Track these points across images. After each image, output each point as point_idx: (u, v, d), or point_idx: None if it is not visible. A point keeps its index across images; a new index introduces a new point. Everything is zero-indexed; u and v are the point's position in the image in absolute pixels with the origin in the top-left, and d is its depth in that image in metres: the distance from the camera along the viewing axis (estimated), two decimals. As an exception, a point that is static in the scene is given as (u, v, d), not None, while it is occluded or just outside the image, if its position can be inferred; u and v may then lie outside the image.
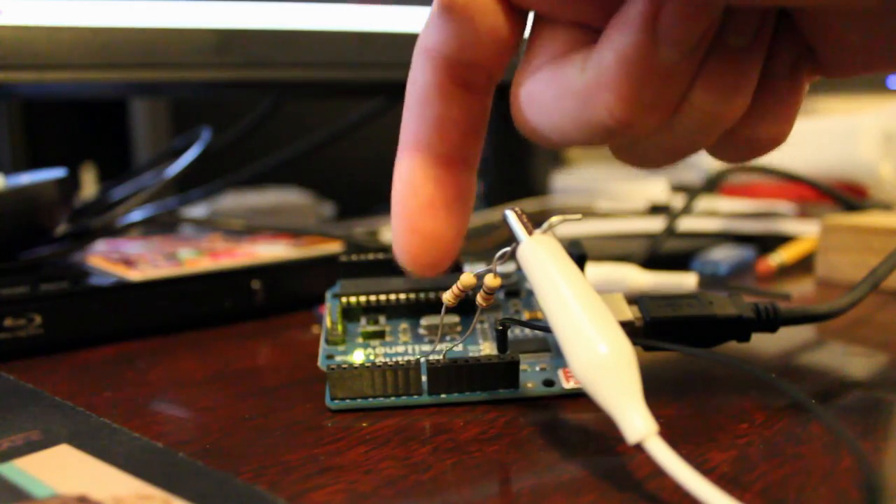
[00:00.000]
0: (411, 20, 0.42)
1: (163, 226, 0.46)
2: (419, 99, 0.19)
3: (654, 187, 0.55)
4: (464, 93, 0.19)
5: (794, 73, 0.18)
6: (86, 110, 0.69)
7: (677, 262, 0.41)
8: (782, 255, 0.41)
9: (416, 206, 0.19)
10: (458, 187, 0.20)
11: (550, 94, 0.17)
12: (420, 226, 0.19)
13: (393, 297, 0.27)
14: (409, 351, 0.25)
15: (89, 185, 0.63)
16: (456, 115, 0.19)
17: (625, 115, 0.16)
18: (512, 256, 0.21)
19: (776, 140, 0.19)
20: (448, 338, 0.26)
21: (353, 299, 0.27)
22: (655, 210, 0.52)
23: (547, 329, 0.24)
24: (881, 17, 0.16)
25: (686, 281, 0.36)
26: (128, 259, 0.35)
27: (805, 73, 0.18)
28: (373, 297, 0.27)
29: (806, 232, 0.44)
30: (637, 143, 0.19)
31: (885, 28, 0.16)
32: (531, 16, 0.19)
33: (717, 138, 0.18)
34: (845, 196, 0.46)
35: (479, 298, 0.23)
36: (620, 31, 0.16)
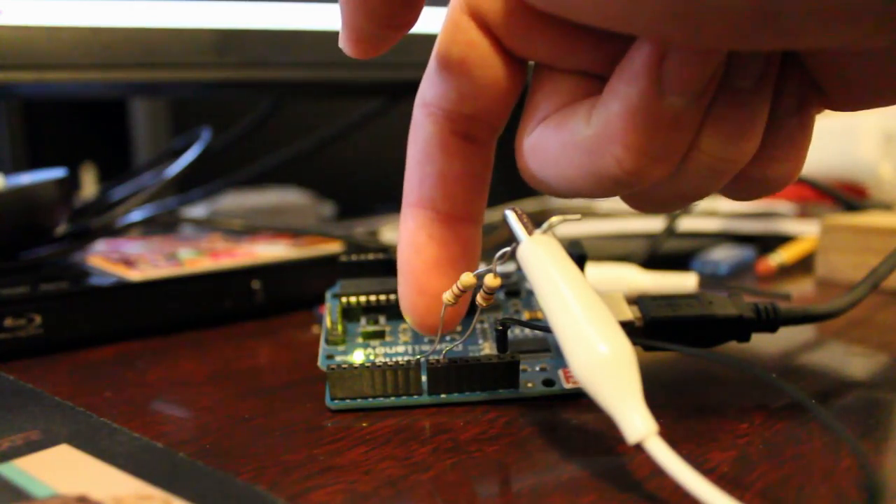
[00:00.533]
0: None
1: (163, 226, 0.46)
2: (420, 154, 0.19)
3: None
4: (465, 146, 0.19)
5: (802, 111, 0.18)
6: (86, 110, 0.69)
7: (677, 262, 0.41)
8: (782, 255, 0.41)
9: (420, 266, 0.19)
10: (463, 244, 0.19)
11: (557, 145, 0.17)
12: (426, 286, 0.19)
13: (393, 297, 0.27)
14: (409, 351, 0.25)
15: (89, 185, 0.63)
16: (458, 170, 0.19)
17: (634, 165, 0.16)
18: (512, 256, 0.21)
19: (787, 179, 0.18)
20: (448, 338, 0.26)
21: (353, 299, 0.27)
22: (655, 210, 0.52)
23: (547, 329, 0.24)
24: (887, 55, 0.16)
25: (686, 281, 0.36)
26: (128, 259, 0.35)
27: (813, 110, 0.18)
28: (373, 297, 0.27)
29: (806, 232, 0.44)
30: (647, 192, 0.18)
31: (892, 66, 0.16)
32: (531, 65, 0.18)
33: (728, 181, 0.18)
34: (845, 196, 0.46)
35: (479, 298, 0.23)
36: (625, 82, 0.16)
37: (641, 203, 0.19)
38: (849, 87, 0.17)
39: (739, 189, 0.19)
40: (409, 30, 0.18)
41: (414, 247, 0.19)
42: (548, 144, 0.17)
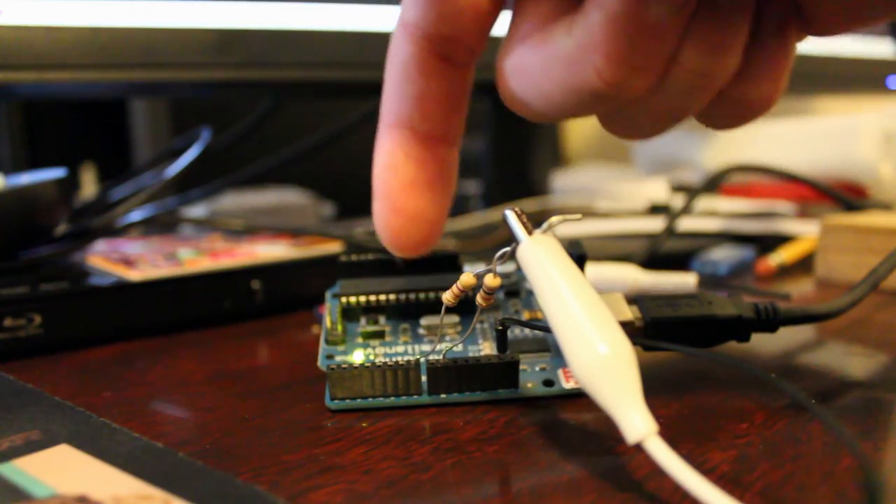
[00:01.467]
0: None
1: (163, 226, 0.46)
2: (399, 75, 0.19)
3: (654, 187, 0.55)
4: (444, 67, 0.19)
5: (782, 32, 0.18)
6: (86, 110, 0.69)
7: (677, 262, 0.41)
8: (782, 255, 0.41)
9: (397, 185, 0.19)
10: (440, 165, 0.19)
11: (537, 61, 0.17)
12: (402, 206, 0.19)
13: (393, 297, 0.27)
14: (409, 351, 0.25)
15: (89, 185, 0.63)
16: (436, 91, 0.19)
17: (614, 75, 0.16)
18: (512, 256, 0.21)
19: (767, 101, 0.18)
20: (448, 338, 0.26)
21: (352, 299, 0.27)
22: (655, 210, 0.52)
23: (547, 329, 0.24)
24: None
25: (686, 281, 0.36)
26: (128, 259, 0.35)
27: (793, 32, 0.18)
28: (373, 297, 0.27)
29: (806, 232, 0.44)
30: (626, 110, 0.18)
31: None
32: None
33: (708, 101, 0.18)
34: (845, 196, 0.46)
35: (478, 298, 0.23)
36: None
37: (620, 125, 0.19)
38: (827, 6, 0.17)
39: (718, 112, 0.19)
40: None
41: (390, 166, 0.19)
42: (529, 62, 0.17)
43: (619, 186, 0.57)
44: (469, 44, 0.19)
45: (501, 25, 0.19)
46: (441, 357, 0.23)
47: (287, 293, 0.35)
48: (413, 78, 0.19)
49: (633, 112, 0.18)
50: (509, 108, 0.19)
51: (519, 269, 0.21)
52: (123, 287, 0.31)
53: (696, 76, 0.17)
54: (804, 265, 0.41)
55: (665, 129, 0.19)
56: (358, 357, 0.25)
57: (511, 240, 0.21)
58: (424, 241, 0.19)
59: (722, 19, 0.17)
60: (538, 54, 0.17)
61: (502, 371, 0.23)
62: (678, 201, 0.50)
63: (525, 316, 0.27)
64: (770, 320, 0.25)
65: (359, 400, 0.23)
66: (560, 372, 0.24)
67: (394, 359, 0.24)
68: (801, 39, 0.18)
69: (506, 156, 0.57)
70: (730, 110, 0.19)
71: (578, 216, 0.22)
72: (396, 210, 0.19)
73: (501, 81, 0.18)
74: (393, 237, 0.19)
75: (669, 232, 0.42)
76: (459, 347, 0.25)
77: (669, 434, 0.18)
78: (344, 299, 0.27)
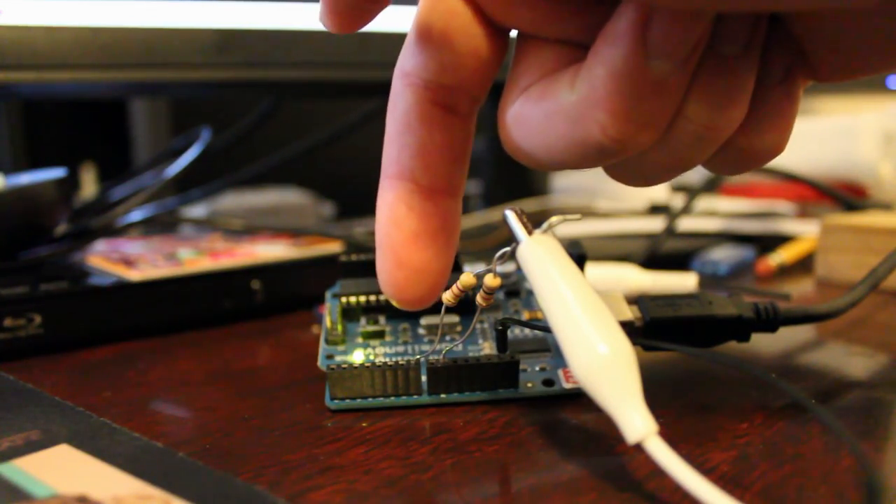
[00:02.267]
0: (411, 20, 0.42)
1: (163, 226, 0.46)
2: (399, 125, 0.19)
3: (654, 187, 0.55)
4: (446, 117, 0.18)
5: (789, 80, 0.18)
6: (86, 110, 0.69)
7: (677, 262, 0.41)
8: (782, 255, 0.41)
9: (400, 239, 0.19)
10: (443, 218, 0.19)
11: (540, 115, 0.17)
12: (406, 260, 0.19)
13: (393, 297, 0.27)
14: (409, 351, 0.25)
15: (89, 185, 0.63)
16: (439, 141, 0.19)
17: (618, 132, 0.16)
18: (512, 256, 0.21)
19: (774, 150, 0.18)
20: (448, 338, 0.26)
21: (352, 299, 0.27)
22: (655, 210, 0.52)
23: (547, 329, 0.24)
24: (876, 17, 0.16)
25: (686, 281, 0.36)
26: (128, 259, 0.35)
27: (800, 80, 0.18)
28: (372, 297, 0.27)
29: (806, 232, 0.44)
30: (632, 162, 0.18)
31: (881, 29, 0.16)
32: (514, 33, 0.18)
33: (713, 152, 0.18)
34: (845, 196, 0.46)
35: (478, 298, 0.23)
36: (610, 45, 0.16)
37: (626, 174, 0.19)
38: (835, 55, 0.17)
39: (725, 160, 0.19)
40: (388, 2, 0.18)
41: (393, 219, 0.19)
42: (531, 115, 0.17)
43: (620, 186, 0.57)
44: (471, 93, 0.18)
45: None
46: (441, 357, 0.23)
47: (287, 293, 0.35)
48: (414, 129, 0.18)
49: (638, 163, 0.18)
50: (512, 156, 0.18)
51: (519, 269, 0.21)
52: (123, 287, 0.31)
53: (701, 129, 0.17)
54: (804, 265, 0.41)
55: (672, 177, 0.19)
56: (358, 357, 0.25)
57: (511, 240, 0.21)
58: (428, 295, 0.19)
59: (727, 72, 0.16)
60: (540, 107, 0.17)
61: (502, 371, 0.23)
62: (678, 201, 0.50)
63: (525, 316, 0.27)
64: (770, 320, 0.25)
65: (359, 400, 0.23)
66: (560, 372, 0.24)
67: (394, 359, 0.24)
68: (806, 86, 0.18)
69: (506, 156, 0.57)
70: (736, 159, 0.18)
71: (578, 216, 0.22)
72: (400, 264, 0.19)
73: (503, 131, 0.18)
74: (397, 291, 0.19)
75: (669, 232, 0.42)
76: (459, 347, 0.25)
77: (669, 434, 0.18)
78: (344, 299, 0.27)
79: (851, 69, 0.18)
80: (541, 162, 0.18)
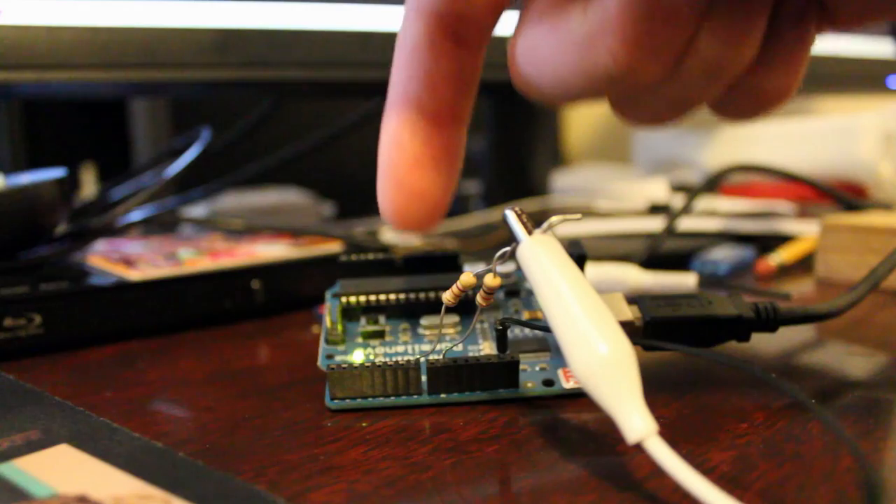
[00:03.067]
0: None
1: (163, 226, 0.46)
2: (409, 54, 0.19)
3: (654, 187, 0.55)
4: (455, 47, 0.18)
5: (802, 23, 0.18)
6: (86, 110, 0.69)
7: (677, 262, 0.41)
8: (782, 255, 0.41)
9: (402, 162, 0.19)
10: (447, 144, 0.19)
11: (551, 43, 0.17)
12: (407, 182, 0.19)
13: (393, 297, 0.27)
14: (409, 351, 0.25)
15: (89, 185, 0.63)
16: (446, 70, 0.19)
17: (628, 59, 0.16)
18: (512, 256, 0.21)
19: (783, 93, 0.18)
20: (448, 338, 0.26)
21: (352, 299, 0.27)
22: (655, 210, 0.52)
23: (547, 329, 0.24)
24: None
25: (686, 281, 0.36)
26: (128, 259, 0.35)
27: (812, 24, 0.18)
28: (372, 297, 0.27)
29: (806, 232, 0.44)
30: (638, 96, 0.18)
31: None
32: None
33: (722, 90, 0.18)
34: (845, 196, 0.46)
35: (478, 298, 0.23)
36: None
37: (632, 111, 0.19)
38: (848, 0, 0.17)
39: (733, 102, 0.18)
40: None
41: (396, 142, 0.19)
42: (542, 44, 0.17)
43: (619, 186, 0.57)
44: (482, 23, 0.18)
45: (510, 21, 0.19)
46: (441, 357, 0.23)
47: (287, 293, 0.35)
48: (423, 58, 0.18)
49: (645, 98, 0.18)
50: (521, 91, 0.18)
51: (519, 269, 0.21)
52: (123, 287, 0.31)
53: (711, 64, 0.17)
54: (804, 265, 0.41)
55: (676, 117, 0.19)
56: (358, 357, 0.25)
57: (511, 240, 0.21)
58: (427, 219, 0.19)
59: (741, 8, 0.16)
60: (551, 36, 0.17)
61: (502, 371, 0.23)
62: (678, 201, 0.50)
63: (525, 316, 0.27)
64: (770, 320, 0.25)
65: (359, 400, 0.23)
66: (560, 372, 0.24)
67: (394, 359, 0.24)
68: (820, 32, 0.18)
69: (506, 156, 0.57)
70: (745, 100, 0.18)
71: (578, 216, 0.22)
72: (400, 186, 0.19)
73: (513, 64, 0.18)
74: (396, 214, 0.19)
75: (669, 232, 0.42)
76: (459, 347, 0.25)
77: (669, 434, 0.18)
78: (344, 299, 0.27)
79: (863, 14, 0.17)
80: (550, 94, 0.18)
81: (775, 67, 0.18)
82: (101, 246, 0.39)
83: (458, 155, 0.20)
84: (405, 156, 0.19)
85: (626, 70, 0.16)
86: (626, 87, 0.17)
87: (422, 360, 0.23)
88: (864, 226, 0.38)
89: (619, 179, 0.65)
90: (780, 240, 0.45)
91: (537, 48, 0.17)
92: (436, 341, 0.26)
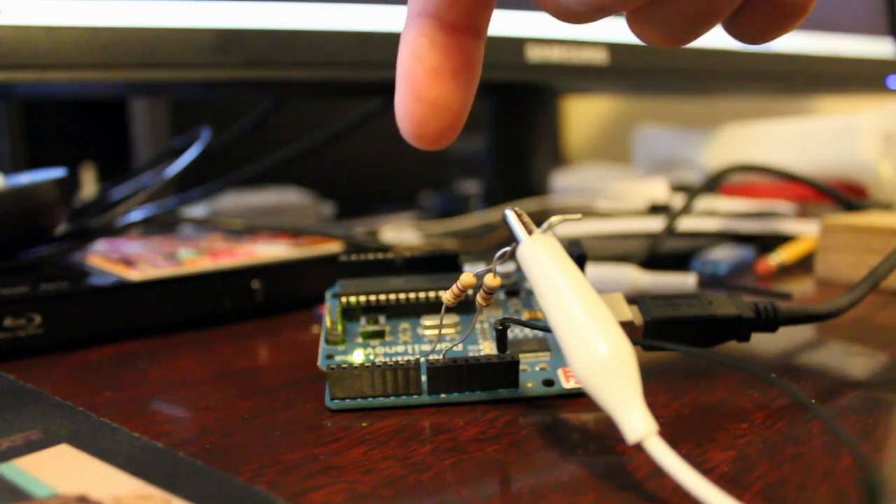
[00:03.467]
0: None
1: (163, 226, 0.46)
2: None
3: (654, 187, 0.55)
4: None
5: None
6: (86, 110, 0.69)
7: (677, 262, 0.41)
8: (782, 255, 0.41)
9: (421, 72, 0.19)
10: (466, 55, 0.19)
11: None
12: (425, 93, 0.19)
13: (393, 296, 0.27)
14: (409, 351, 0.25)
15: (89, 185, 0.63)
16: None
17: None
18: (512, 256, 0.21)
19: (802, 6, 0.18)
20: (448, 338, 0.26)
21: (352, 299, 0.27)
22: (655, 210, 0.52)
23: (547, 329, 0.24)
24: None
25: (686, 281, 0.36)
26: (128, 259, 0.35)
27: None
28: (372, 297, 0.27)
29: (806, 232, 0.44)
30: (657, 9, 0.18)
31: None
32: None
33: (741, 2, 0.17)
34: (845, 196, 0.46)
35: (478, 298, 0.23)
36: None
37: (649, 25, 0.18)
38: None
39: (751, 17, 0.18)
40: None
41: (415, 53, 0.19)
42: None
43: (619, 186, 0.57)
44: None
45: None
46: (441, 357, 0.23)
47: (287, 293, 0.35)
48: None
49: (664, 12, 0.18)
50: (542, 7, 0.18)
51: (519, 269, 0.21)
52: (123, 287, 0.31)
53: None
54: (804, 265, 0.41)
55: (696, 33, 0.18)
56: (358, 357, 0.25)
57: (511, 240, 0.21)
58: (445, 132, 0.19)
59: None
60: None
61: (502, 371, 0.23)
62: (678, 201, 0.50)
63: (525, 316, 0.27)
64: (770, 320, 0.25)
65: (359, 400, 0.23)
66: (560, 372, 0.24)
67: (394, 359, 0.24)
68: None
69: (506, 156, 0.57)
70: (763, 14, 0.18)
71: (578, 216, 0.22)
72: (419, 97, 0.19)
73: None
74: (414, 125, 0.19)
75: (669, 232, 0.42)
76: (459, 347, 0.25)
77: (669, 434, 0.18)
78: (344, 299, 0.27)
79: None
80: (569, 4, 0.17)
81: None
82: (101, 246, 0.39)
83: (476, 68, 0.20)
84: (424, 67, 0.19)
85: None
86: None
87: (422, 360, 0.23)
88: (864, 226, 0.38)
89: (619, 179, 0.65)
90: (780, 240, 0.45)
91: None
92: (436, 341, 0.26)
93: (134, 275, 0.32)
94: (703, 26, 0.18)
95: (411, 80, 0.19)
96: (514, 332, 0.26)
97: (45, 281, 0.30)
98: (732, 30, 0.19)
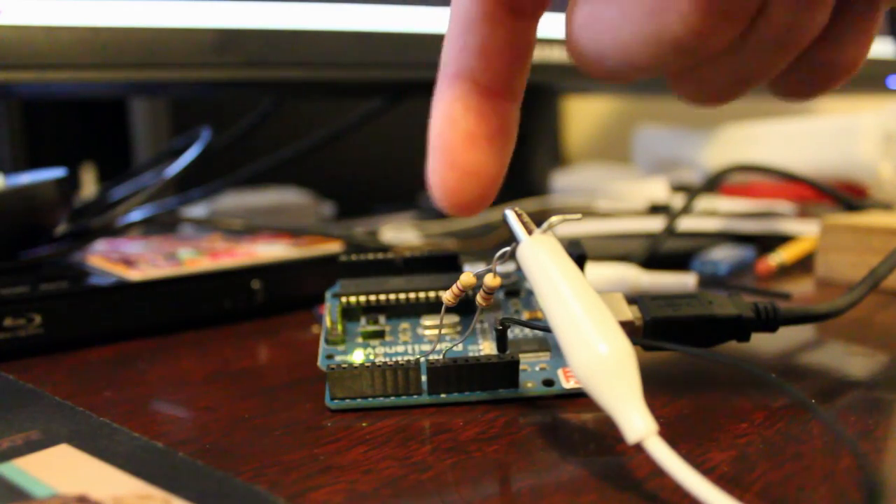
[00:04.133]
0: (411, 20, 0.42)
1: (163, 226, 0.46)
2: (462, 25, 0.18)
3: (654, 187, 0.55)
4: (510, 19, 0.18)
5: None
6: (86, 110, 0.69)
7: (677, 262, 0.41)
8: (782, 255, 0.41)
9: (455, 138, 0.18)
10: (501, 119, 0.19)
11: (613, 11, 0.16)
12: (460, 160, 0.18)
13: (393, 297, 0.27)
14: (409, 351, 0.25)
15: (89, 185, 0.63)
16: (503, 41, 0.18)
17: (700, 22, 0.15)
18: (512, 256, 0.21)
19: (850, 66, 0.18)
20: (448, 338, 0.26)
21: (352, 299, 0.27)
22: (655, 210, 0.52)
23: (547, 329, 0.24)
24: None
25: (686, 281, 0.36)
26: (128, 259, 0.35)
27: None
28: (372, 297, 0.27)
29: (806, 232, 0.44)
30: (702, 69, 0.17)
31: None
32: None
33: (789, 63, 0.17)
34: (845, 196, 0.46)
35: (479, 298, 0.23)
36: None
37: (692, 85, 0.18)
38: None
39: (798, 77, 0.18)
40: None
41: (449, 118, 0.18)
42: (604, 12, 0.16)
43: (619, 186, 0.57)
44: None
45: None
46: (441, 357, 0.23)
47: (287, 293, 0.35)
48: (477, 29, 0.18)
49: (709, 72, 0.17)
50: (578, 65, 0.18)
51: (519, 269, 0.21)
52: (123, 287, 0.31)
53: (782, 31, 0.16)
54: (804, 265, 0.41)
55: (737, 94, 0.18)
56: (358, 357, 0.25)
57: (511, 239, 0.21)
58: (480, 199, 0.19)
59: None
60: (614, 3, 0.16)
61: (502, 371, 0.23)
62: (678, 201, 0.50)
63: (525, 316, 0.27)
64: (770, 320, 0.25)
65: (359, 400, 0.23)
66: (560, 372, 0.24)
67: (394, 359, 0.24)
68: (889, 6, 0.18)
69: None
70: (810, 75, 0.18)
71: (578, 216, 0.22)
72: (453, 164, 0.18)
73: (571, 35, 0.17)
74: (448, 193, 0.18)
75: (669, 232, 0.42)
76: (459, 347, 0.25)
77: (669, 434, 0.18)
78: (344, 299, 0.27)
79: None
80: (610, 66, 0.17)
81: (844, 38, 0.17)
82: (101, 246, 0.39)
83: (512, 132, 0.19)
84: (459, 132, 0.18)
85: (697, 35, 0.15)
86: (692, 55, 0.16)
87: (422, 360, 0.23)
88: (864, 226, 0.38)
89: (619, 179, 0.65)
90: (780, 240, 0.45)
91: (598, 18, 0.17)
92: (436, 341, 0.26)
93: (134, 275, 0.32)
94: (744, 88, 0.18)
95: (445, 146, 0.18)
96: (514, 332, 0.26)
97: (45, 281, 0.30)
98: (777, 88, 0.19)
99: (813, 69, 0.18)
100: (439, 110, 0.19)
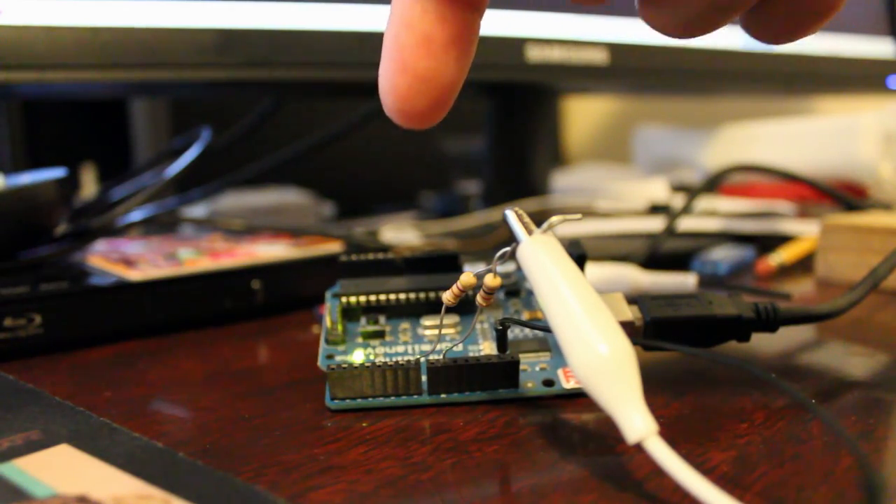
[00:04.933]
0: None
1: (163, 226, 0.46)
2: None
3: (654, 187, 0.55)
4: None
5: None
6: (86, 110, 0.69)
7: (677, 262, 0.41)
8: (782, 255, 0.41)
9: (410, 41, 0.17)
10: (461, 27, 0.18)
11: None
12: (412, 64, 0.17)
13: (393, 297, 0.27)
14: (409, 351, 0.25)
15: (89, 185, 0.63)
16: None
17: None
18: (512, 256, 0.21)
19: (832, 4, 0.17)
20: (448, 338, 0.26)
21: (352, 299, 0.27)
22: (655, 210, 0.52)
23: (547, 329, 0.24)
24: None
25: (686, 281, 0.36)
26: (128, 259, 0.35)
27: None
28: (373, 297, 0.27)
29: (806, 232, 0.44)
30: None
31: None
32: None
33: None
34: (845, 196, 0.46)
35: (479, 298, 0.23)
36: None
37: (670, 10, 0.17)
38: None
39: (774, 14, 0.17)
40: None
41: (405, 20, 0.17)
42: None
43: (619, 186, 0.57)
44: None
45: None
46: (441, 357, 0.23)
47: (287, 293, 0.35)
48: None
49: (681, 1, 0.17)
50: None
51: (519, 269, 0.21)
52: (123, 287, 0.31)
53: None
54: (804, 265, 0.41)
55: (713, 25, 0.17)
56: (358, 357, 0.25)
57: (511, 240, 0.21)
58: (432, 109, 0.18)
59: None
60: None
61: (502, 371, 0.23)
62: (678, 201, 0.50)
63: (525, 316, 0.27)
64: (770, 320, 0.25)
65: (359, 400, 0.23)
66: (560, 372, 0.24)
67: (394, 359, 0.24)
68: None
69: (506, 156, 0.57)
70: (788, 11, 0.17)
71: (578, 216, 0.22)
72: (405, 68, 0.17)
73: None
74: (398, 99, 0.18)
75: (669, 232, 0.42)
76: (459, 347, 0.25)
77: (669, 434, 0.18)
78: (344, 299, 0.27)
79: None
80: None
81: None
82: (101, 246, 0.39)
83: (471, 43, 0.18)
84: (414, 35, 0.17)
85: None
86: None
87: (422, 360, 0.23)
88: (864, 226, 0.38)
89: (619, 179, 0.65)
90: (780, 240, 0.45)
91: None
92: (436, 341, 0.26)
93: (134, 275, 0.32)
94: (721, 17, 0.17)
95: (398, 49, 0.17)
96: (514, 332, 0.26)
97: (45, 281, 0.30)
98: (753, 27, 0.18)
99: (793, 3, 0.17)
100: (396, 13, 0.18)
